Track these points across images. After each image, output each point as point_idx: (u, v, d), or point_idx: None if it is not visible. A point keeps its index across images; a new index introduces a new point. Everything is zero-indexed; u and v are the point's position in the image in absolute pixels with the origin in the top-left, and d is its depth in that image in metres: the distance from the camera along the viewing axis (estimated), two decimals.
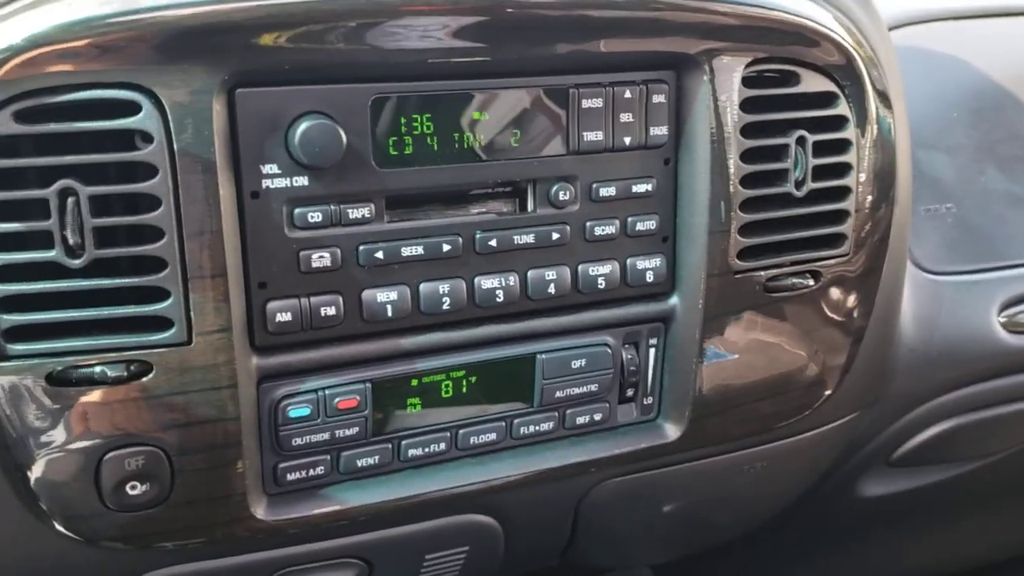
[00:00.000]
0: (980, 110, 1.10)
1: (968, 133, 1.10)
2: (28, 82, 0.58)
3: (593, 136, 0.73)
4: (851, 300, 0.85)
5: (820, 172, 0.79)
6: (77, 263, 0.61)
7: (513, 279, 0.73)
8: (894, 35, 1.10)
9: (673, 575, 1.26)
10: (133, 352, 0.63)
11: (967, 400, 1.05)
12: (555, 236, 0.74)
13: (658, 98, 0.74)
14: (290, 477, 0.72)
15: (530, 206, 0.73)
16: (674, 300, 0.80)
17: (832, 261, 0.82)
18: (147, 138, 0.61)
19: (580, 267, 0.75)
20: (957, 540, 1.36)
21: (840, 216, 0.81)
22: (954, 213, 1.05)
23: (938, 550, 1.37)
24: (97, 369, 0.63)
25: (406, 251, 0.70)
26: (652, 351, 0.81)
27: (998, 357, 1.03)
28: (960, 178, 1.07)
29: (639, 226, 0.76)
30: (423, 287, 0.71)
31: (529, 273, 0.74)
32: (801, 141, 0.77)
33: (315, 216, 0.66)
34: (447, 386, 0.75)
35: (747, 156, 0.76)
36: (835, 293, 0.83)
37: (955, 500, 1.24)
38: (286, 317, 0.67)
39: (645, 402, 0.83)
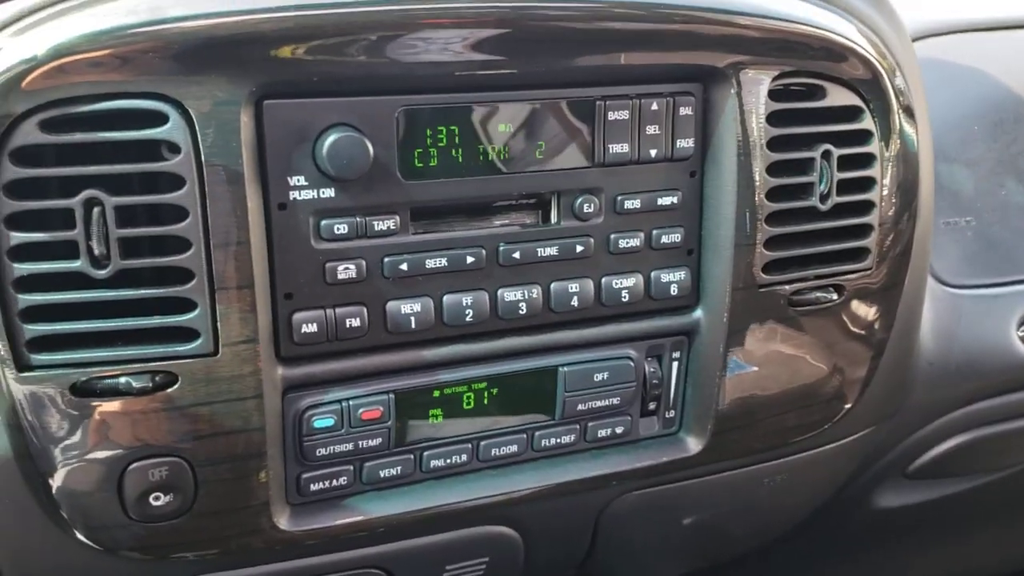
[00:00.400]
0: (1001, 123, 1.10)
1: (989, 146, 1.09)
2: (53, 92, 0.58)
3: (619, 148, 0.72)
4: (873, 313, 0.84)
5: (845, 186, 0.79)
6: (102, 273, 0.61)
7: (536, 291, 0.73)
8: (916, 47, 1.10)
9: None
10: (158, 363, 0.63)
11: (985, 413, 1.05)
12: (579, 248, 0.74)
13: (685, 110, 0.74)
14: (313, 487, 0.72)
15: (554, 218, 0.73)
16: (698, 313, 0.79)
17: (855, 275, 0.81)
18: (174, 149, 0.61)
19: (604, 280, 0.75)
20: (969, 553, 1.36)
21: (864, 230, 0.81)
22: (974, 226, 1.05)
23: (950, 563, 1.36)
24: (122, 380, 0.63)
25: (430, 263, 0.69)
26: (675, 364, 0.81)
27: (1016, 371, 1.02)
28: (980, 191, 1.07)
29: (664, 239, 0.76)
30: (447, 299, 0.71)
31: (552, 286, 0.74)
32: (826, 155, 0.77)
33: (341, 228, 0.66)
34: (469, 398, 0.75)
35: (773, 169, 0.76)
36: (857, 307, 0.83)
37: (969, 513, 1.24)
38: (312, 328, 0.67)
39: (667, 415, 0.82)
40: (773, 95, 0.74)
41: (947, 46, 1.12)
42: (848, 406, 0.87)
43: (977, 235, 1.05)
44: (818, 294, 0.80)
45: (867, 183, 0.80)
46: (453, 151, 0.69)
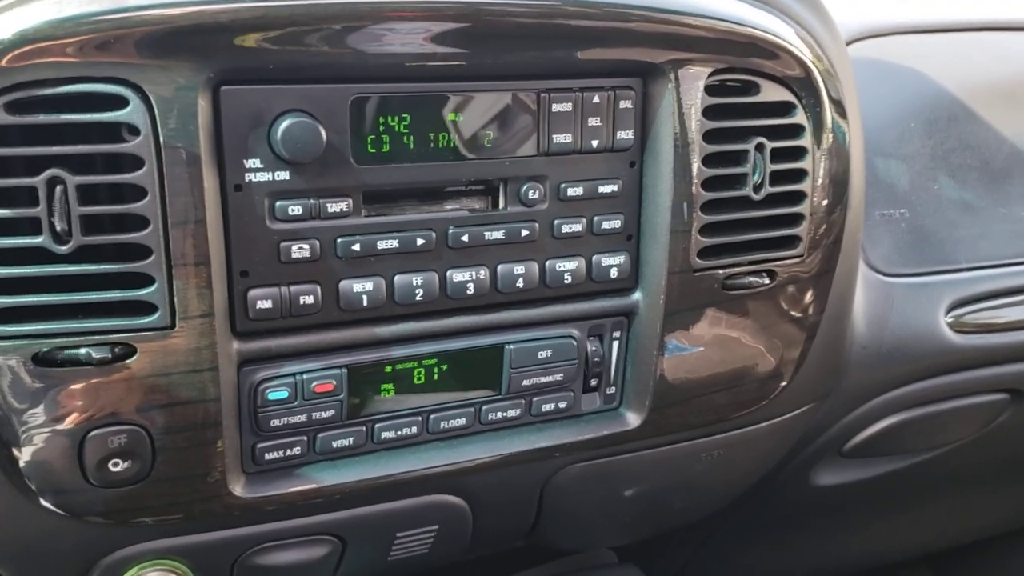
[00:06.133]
0: (936, 121, 1.15)
1: (923, 142, 1.14)
2: (19, 74, 0.60)
3: (562, 138, 0.76)
4: (805, 298, 0.89)
5: (777, 177, 0.83)
6: (64, 249, 0.63)
7: (483, 273, 0.77)
8: (858, 47, 1.15)
9: (635, 555, 1.31)
10: (118, 335, 0.66)
11: (915, 396, 1.10)
12: (524, 233, 0.77)
13: (625, 104, 0.77)
14: (268, 456, 0.75)
15: (501, 204, 0.77)
16: (637, 296, 0.83)
17: (787, 261, 0.86)
18: (134, 131, 0.63)
19: (548, 263, 0.79)
20: (904, 529, 1.42)
21: (795, 219, 0.85)
22: (907, 218, 1.10)
23: (885, 538, 1.43)
24: (82, 351, 0.65)
25: (382, 244, 0.73)
26: (615, 343, 0.85)
27: (944, 355, 1.07)
28: (914, 185, 1.12)
29: (605, 225, 0.80)
30: (397, 279, 0.74)
31: (499, 267, 0.77)
32: (760, 147, 0.81)
33: (295, 209, 0.69)
34: (419, 373, 0.79)
35: (708, 160, 0.80)
36: (789, 291, 0.87)
37: (903, 491, 1.30)
38: (266, 304, 0.70)
39: (608, 391, 0.87)
40: (709, 90, 0.78)
41: (888, 47, 1.17)
42: (782, 385, 0.92)
43: (910, 227, 1.10)
44: (751, 279, 0.85)
45: (799, 175, 0.84)
46: (405, 138, 0.72)
